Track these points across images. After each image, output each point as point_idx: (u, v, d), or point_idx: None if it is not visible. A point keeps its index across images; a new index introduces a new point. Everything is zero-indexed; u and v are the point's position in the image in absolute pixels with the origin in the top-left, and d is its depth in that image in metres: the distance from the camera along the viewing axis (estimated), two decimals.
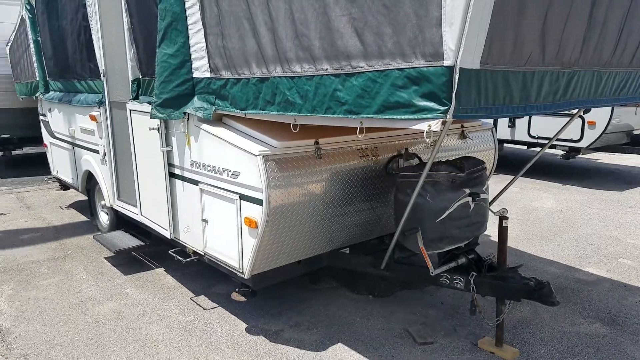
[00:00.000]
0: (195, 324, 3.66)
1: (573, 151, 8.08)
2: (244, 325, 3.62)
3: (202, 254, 3.65)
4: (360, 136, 2.38)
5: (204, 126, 3.36)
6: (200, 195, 3.52)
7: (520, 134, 8.31)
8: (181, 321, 3.70)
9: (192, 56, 3.31)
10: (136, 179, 4.36)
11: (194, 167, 3.55)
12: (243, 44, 2.87)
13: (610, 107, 7.36)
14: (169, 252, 4.02)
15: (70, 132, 5.68)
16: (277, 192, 2.97)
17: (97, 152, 5.06)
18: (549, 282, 2.98)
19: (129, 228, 4.98)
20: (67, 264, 4.81)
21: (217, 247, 3.48)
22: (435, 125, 1.94)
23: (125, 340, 3.44)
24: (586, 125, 7.62)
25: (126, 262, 4.85)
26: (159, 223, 4.14)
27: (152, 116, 3.55)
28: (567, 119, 3.75)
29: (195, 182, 3.56)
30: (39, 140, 7.48)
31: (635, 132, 8.44)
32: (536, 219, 6.17)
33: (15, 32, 7.15)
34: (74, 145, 5.72)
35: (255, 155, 2.95)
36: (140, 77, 4.04)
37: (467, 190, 2.98)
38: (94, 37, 4.56)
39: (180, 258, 3.84)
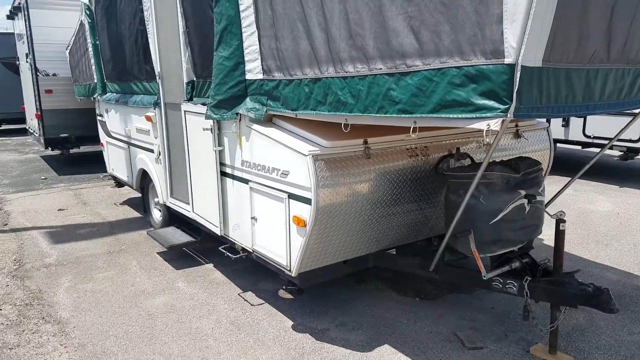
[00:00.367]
0: (243, 319, 3.73)
1: (631, 152, 7.68)
2: (290, 323, 3.66)
3: (251, 251, 3.73)
4: (413, 135, 2.36)
5: (255, 126, 3.43)
6: (250, 194, 3.59)
7: (575, 133, 7.97)
8: (230, 316, 3.78)
9: (246, 58, 3.38)
10: (189, 177, 4.50)
11: (245, 166, 3.63)
12: (296, 46, 2.91)
13: None
14: (219, 248, 4.12)
15: (126, 132, 5.92)
16: (325, 192, 2.99)
17: (151, 151, 5.25)
18: (608, 288, 2.86)
19: (180, 224, 5.14)
20: (122, 258, 5.02)
21: (265, 245, 3.54)
22: (495, 124, 1.90)
23: (177, 334, 3.55)
24: None
25: (177, 257, 5.01)
26: (210, 220, 4.25)
27: (207, 117, 3.66)
28: (626, 117, 3.57)
29: (246, 181, 3.64)
30: (95, 140, 7.82)
31: None
32: (591, 223, 5.91)
33: (74, 37, 7.51)
34: (129, 144, 5.96)
35: (304, 154, 2.98)
36: (195, 79, 4.16)
37: (523, 192, 2.89)
38: (150, 40, 4.74)
39: (229, 254, 3.93)
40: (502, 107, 1.89)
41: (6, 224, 6.26)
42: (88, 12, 6.35)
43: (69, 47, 8.06)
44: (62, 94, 9.04)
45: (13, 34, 11.06)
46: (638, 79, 2.49)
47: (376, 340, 3.41)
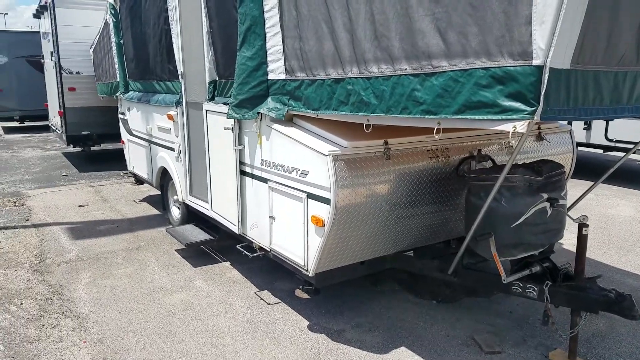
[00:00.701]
0: (260, 318, 3.75)
1: None
2: (306, 323, 3.67)
3: (268, 249, 3.75)
4: (436, 136, 2.36)
5: (276, 126, 3.45)
6: (269, 193, 3.61)
7: (597, 136, 7.84)
8: (246, 314, 3.81)
9: (269, 59, 3.41)
10: (208, 175, 4.54)
11: (264, 165, 3.65)
12: (320, 46, 2.93)
13: None
14: (237, 246, 4.15)
15: (148, 130, 6.01)
16: (345, 192, 2.99)
17: (172, 149, 5.31)
18: (631, 294, 2.81)
19: (198, 222, 5.20)
20: (140, 255, 5.09)
21: (283, 244, 3.56)
22: (521, 126, 1.89)
23: (194, 331, 3.59)
24: None
25: (195, 254, 5.05)
26: (228, 218, 4.29)
27: (229, 116, 3.69)
28: None
29: (265, 180, 3.66)
30: (116, 137, 7.95)
31: None
32: (612, 228, 5.81)
33: (98, 36, 7.64)
34: (150, 142, 6.04)
35: (324, 154, 2.99)
36: (217, 78, 4.21)
37: (545, 195, 2.86)
38: (174, 40, 4.80)
39: (247, 253, 3.96)
40: (529, 109, 1.88)
41: (28, 219, 6.39)
42: (113, 12, 6.45)
43: (93, 46, 8.20)
44: (85, 92, 9.20)
45: (39, 32, 11.31)
46: None
47: (392, 342, 3.40)
